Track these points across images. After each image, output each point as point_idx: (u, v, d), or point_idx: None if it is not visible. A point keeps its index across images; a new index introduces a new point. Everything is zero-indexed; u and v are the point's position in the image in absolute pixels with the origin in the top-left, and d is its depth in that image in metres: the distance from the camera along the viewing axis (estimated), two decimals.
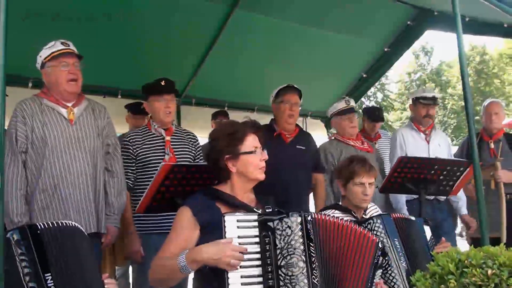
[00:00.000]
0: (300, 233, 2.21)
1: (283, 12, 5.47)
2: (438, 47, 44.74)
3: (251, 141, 2.55)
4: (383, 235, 2.90)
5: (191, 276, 2.52)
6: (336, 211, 3.21)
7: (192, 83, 6.02)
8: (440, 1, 5.13)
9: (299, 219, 2.24)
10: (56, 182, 3.18)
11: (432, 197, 4.42)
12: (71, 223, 2.11)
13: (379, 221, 2.94)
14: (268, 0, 5.31)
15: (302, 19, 5.63)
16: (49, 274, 1.79)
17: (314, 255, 2.22)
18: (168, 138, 3.85)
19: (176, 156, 3.79)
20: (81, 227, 2.14)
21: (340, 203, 3.43)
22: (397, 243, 2.94)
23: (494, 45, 34.32)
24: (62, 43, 3.31)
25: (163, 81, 3.87)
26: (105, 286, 2.09)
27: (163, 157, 3.76)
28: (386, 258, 2.82)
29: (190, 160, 3.89)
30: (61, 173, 3.20)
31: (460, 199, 4.62)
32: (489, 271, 1.40)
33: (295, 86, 4.24)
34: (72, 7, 4.44)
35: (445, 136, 5.00)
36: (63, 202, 3.19)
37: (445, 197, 4.50)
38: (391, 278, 2.81)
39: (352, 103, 4.83)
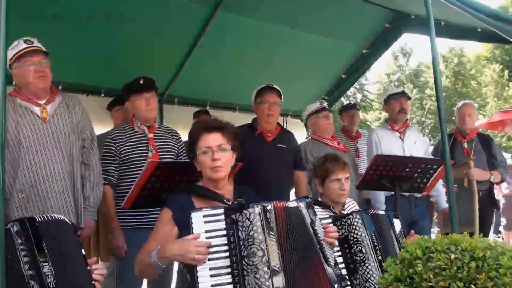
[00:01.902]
0: (258, 223, 2.31)
1: (265, 14, 5.56)
2: (416, 49, 45.32)
3: (204, 142, 2.63)
4: (362, 229, 3.04)
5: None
6: (316, 206, 3.34)
7: (174, 83, 6.07)
8: (416, 5, 5.27)
9: (257, 210, 2.34)
10: (33, 181, 3.20)
11: (408, 194, 4.58)
12: (60, 217, 2.21)
13: (358, 216, 3.08)
14: (250, 2, 5.40)
15: (283, 21, 5.75)
16: (46, 263, 1.88)
17: (274, 242, 2.32)
18: (151, 135, 3.91)
19: (159, 153, 3.85)
20: (67, 220, 2.24)
21: (320, 199, 3.55)
22: (374, 237, 3.09)
23: (471, 47, 34.88)
24: (25, 41, 3.27)
25: (142, 80, 3.90)
26: (94, 272, 2.19)
27: (146, 154, 3.82)
28: (364, 251, 2.98)
29: (173, 157, 3.96)
30: (38, 172, 3.21)
31: (441, 193, 4.81)
32: (453, 256, 1.54)
33: (274, 86, 4.32)
34: (55, 7, 4.48)
35: (420, 134, 5.17)
36: (41, 200, 3.21)
37: (421, 194, 4.67)
38: (367, 270, 2.95)
39: (326, 104, 5.00)
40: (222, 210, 2.36)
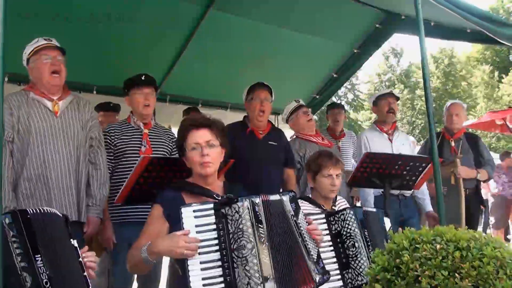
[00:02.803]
0: (247, 217, 2.37)
1: (257, 13, 5.61)
2: (407, 49, 45.50)
3: (192, 138, 2.67)
4: (355, 225, 3.12)
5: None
6: (305, 203, 3.40)
7: (166, 81, 6.10)
8: (407, 6, 5.35)
9: (246, 204, 2.39)
10: (40, 171, 3.30)
11: (397, 192, 4.65)
12: (52, 210, 2.24)
13: (351, 212, 3.16)
14: (242, 1, 5.44)
15: (275, 20, 5.80)
16: (38, 255, 1.91)
17: (263, 235, 2.37)
18: (146, 131, 3.97)
19: (152, 149, 3.91)
20: (58, 213, 2.27)
21: (310, 196, 3.61)
22: (366, 233, 3.15)
23: (462, 48, 35.15)
24: (44, 39, 3.42)
25: (143, 76, 3.99)
26: (85, 260, 2.22)
27: (139, 148, 3.88)
28: (356, 246, 3.04)
29: (166, 154, 4.01)
30: (45, 163, 3.31)
31: (425, 196, 4.87)
32: (438, 246, 1.59)
33: (265, 83, 4.36)
34: (47, 5, 4.51)
35: (407, 136, 5.25)
36: (47, 191, 3.31)
37: (410, 193, 4.74)
38: (359, 264, 3.02)
39: (302, 102, 5.06)
40: (211, 205, 2.41)
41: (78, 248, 2.23)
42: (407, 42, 42.78)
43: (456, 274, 1.52)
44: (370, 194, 4.76)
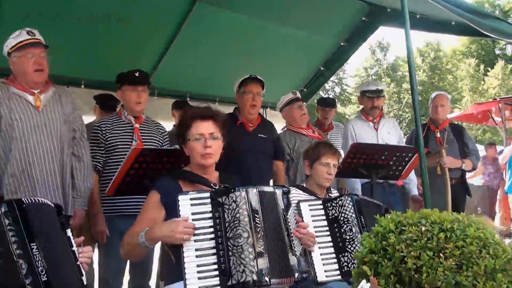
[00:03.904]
0: (244, 207, 2.43)
1: (244, 7, 5.63)
2: (394, 43, 45.69)
3: (197, 129, 2.72)
4: (352, 211, 3.19)
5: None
6: (300, 191, 3.47)
7: (154, 74, 6.09)
8: None
9: (243, 194, 2.46)
10: (24, 166, 3.29)
11: (382, 181, 4.71)
12: (44, 200, 2.26)
13: (349, 198, 3.24)
14: None
15: (262, 14, 5.81)
16: (34, 243, 1.94)
17: (259, 225, 2.44)
18: (137, 125, 3.97)
19: (143, 143, 3.91)
20: (50, 203, 2.29)
21: (304, 185, 3.68)
22: (362, 219, 3.22)
23: (448, 42, 35.39)
24: (28, 33, 3.36)
25: (137, 72, 3.98)
26: (80, 254, 2.25)
27: (130, 142, 3.88)
28: (353, 230, 3.11)
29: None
30: (29, 158, 3.31)
31: (412, 181, 4.96)
32: (423, 228, 1.65)
33: (258, 77, 4.38)
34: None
35: (394, 124, 5.30)
36: (31, 186, 3.31)
37: (394, 182, 4.81)
38: (356, 248, 3.08)
39: (298, 94, 5.09)
40: (208, 194, 2.46)
41: (71, 238, 2.25)
42: (394, 36, 42.98)
43: (441, 254, 1.58)
44: (357, 182, 4.83)
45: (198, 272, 2.33)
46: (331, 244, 3.10)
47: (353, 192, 4.79)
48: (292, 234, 2.68)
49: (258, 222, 2.45)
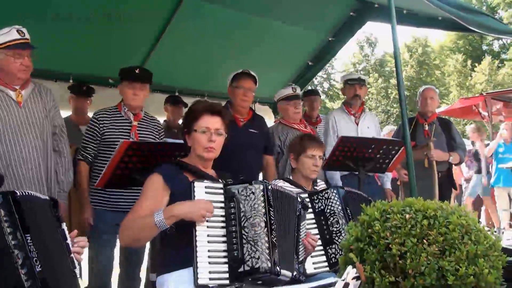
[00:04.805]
0: (262, 198, 2.52)
1: (233, 2, 5.66)
2: (382, 39, 45.87)
3: (205, 122, 2.78)
4: (338, 203, 3.26)
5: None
6: (287, 183, 3.52)
7: None
8: None
9: (261, 187, 2.55)
10: (8, 162, 3.31)
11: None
12: (37, 193, 2.28)
13: (335, 191, 3.32)
14: None
15: (251, 9, 5.83)
16: (28, 234, 1.97)
17: (273, 218, 2.52)
18: (135, 123, 3.99)
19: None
20: (42, 196, 2.31)
21: (290, 177, 3.72)
22: (349, 211, 3.27)
23: (435, 37, 35.60)
24: (18, 32, 3.36)
25: (137, 70, 4.00)
26: (75, 244, 2.27)
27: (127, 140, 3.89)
28: (340, 222, 3.16)
29: None
30: (13, 153, 3.33)
31: (386, 175, 5.05)
32: (407, 216, 1.69)
33: (251, 72, 4.40)
34: None
35: (374, 119, 5.38)
36: (16, 181, 3.33)
37: (373, 174, 4.91)
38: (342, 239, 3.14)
39: (298, 91, 5.13)
40: (221, 185, 2.58)
41: (65, 231, 2.28)
42: (381, 32, 43.14)
43: (424, 241, 1.63)
44: (337, 173, 4.89)
45: (209, 257, 2.41)
46: (318, 236, 3.15)
47: (333, 182, 4.85)
48: (301, 241, 2.78)
49: (273, 215, 2.53)
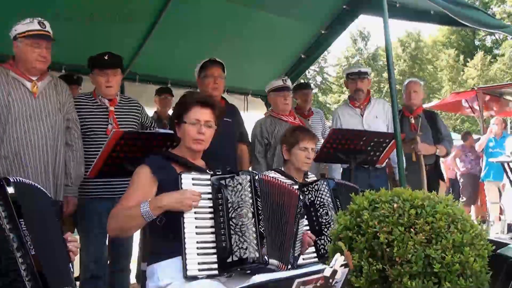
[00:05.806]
0: (249, 189, 2.52)
1: None
2: (374, 33, 45.88)
3: (195, 114, 2.78)
4: (328, 194, 3.28)
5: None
6: (278, 174, 3.53)
7: (135, 60, 6.10)
8: None
9: (248, 177, 2.55)
10: (17, 149, 3.35)
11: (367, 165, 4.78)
12: (35, 184, 2.29)
13: (325, 183, 3.33)
14: None
15: (245, 1, 5.84)
16: (22, 219, 1.97)
17: (261, 209, 2.53)
18: (112, 108, 3.91)
19: (120, 126, 3.87)
20: (42, 188, 2.32)
21: (282, 169, 3.74)
22: (338, 203, 3.30)
23: (428, 32, 35.66)
24: (39, 23, 3.41)
25: (107, 56, 3.89)
26: (68, 244, 2.28)
27: (106, 127, 3.85)
28: (329, 214, 3.19)
29: (136, 127, 4.02)
30: (23, 142, 3.37)
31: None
32: (395, 205, 1.72)
33: (218, 59, 4.31)
34: None
35: (385, 106, 5.19)
36: (23, 169, 3.36)
37: (381, 166, 4.87)
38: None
39: (289, 82, 5.12)
40: (208, 176, 2.57)
41: (62, 227, 2.28)
42: (375, 26, 43.14)
43: (412, 229, 1.66)
44: (337, 170, 4.90)
45: (198, 248, 2.42)
46: (307, 227, 3.17)
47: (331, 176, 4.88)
48: (299, 237, 2.78)
49: (260, 206, 2.53)
